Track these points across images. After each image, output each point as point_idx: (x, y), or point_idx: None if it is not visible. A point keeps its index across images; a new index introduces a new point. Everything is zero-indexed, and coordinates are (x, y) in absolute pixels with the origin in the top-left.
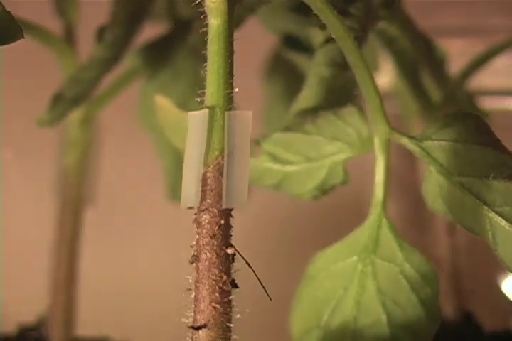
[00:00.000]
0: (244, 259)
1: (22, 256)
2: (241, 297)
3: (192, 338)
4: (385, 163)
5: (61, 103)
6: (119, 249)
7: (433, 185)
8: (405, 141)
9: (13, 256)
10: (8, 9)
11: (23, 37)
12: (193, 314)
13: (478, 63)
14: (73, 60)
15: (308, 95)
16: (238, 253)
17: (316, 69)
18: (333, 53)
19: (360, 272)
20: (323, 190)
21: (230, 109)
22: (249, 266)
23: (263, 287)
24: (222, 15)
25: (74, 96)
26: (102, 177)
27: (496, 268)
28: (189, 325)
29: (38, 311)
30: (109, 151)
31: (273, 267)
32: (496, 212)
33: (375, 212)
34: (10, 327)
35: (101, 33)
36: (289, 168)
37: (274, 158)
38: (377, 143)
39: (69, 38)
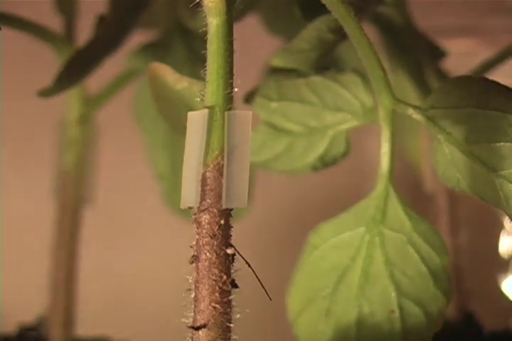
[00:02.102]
0: (244, 259)
1: (22, 256)
2: (241, 297)
3: (192, 338)
4: (390, 133)
5: (64, 79)
6: (119, 248)
7: (443, 154)
8: (410, 112)
9: (12, 256)
10: (8, 7)
11: None
12: (193, 314)
13: (489, 65)
14: None
15: (306, 57)
16: (238, 253)
17: (319, 34)
18: (335, 22)
19: (368, 242)
20: (325, 162)
21: (229, 109)
22: (249, 266)
23: (263, 287)
24: (221, 15)
25: (76, 74)
26: (100, 176)
27: (496, 268)
28: (189, 325)
29: (38, 311)
30: (108, 151)
31: (273, 266)
32: (504, 177)
33: (381, 182)
34: (10, 327)
35: (101, 19)
36: (290, 138)
37: (274, 128)
38: (381, 113)
39: (68, 35)
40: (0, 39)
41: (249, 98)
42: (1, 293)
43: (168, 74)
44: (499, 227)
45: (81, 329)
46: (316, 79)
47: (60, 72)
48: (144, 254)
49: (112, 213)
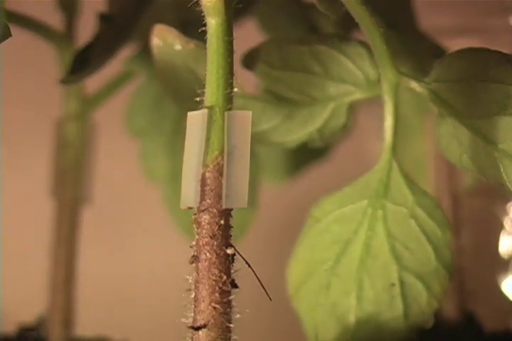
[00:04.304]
0: (244, 259)
1: (21, 256)
2: (241, 297)
3: (192, 338)
4: (393, 107)
5: (82, 68)
6: (118, 248)
7: (446, 128)
8: (414, 85)
9: (12, 256)
10: (7, 5)
11: (10, 35)
12: (193, 314)
13: None
14: None
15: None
16: (238, 253)
17: None
18: None
19: (371, 216)
20: (323, 134)
21: (229, 109)
22: (249, 266)
23: (263, 287)
24: (219, 15)
25: (93, 63)
26: (98, 176)
27: (496, 268)
28: (189, 325)
29: (38, 311)
30: (106, 150)
31: (273, 267)
32: (503, 150)
33: (385, 156)
34: (10, 327)
35: (103, 15)
36: (290, 108)
37: (275, 96)
38: (385, 87)
39: (69, 33)
40: None
41: (248, 62)
42: (1, 293)
43: (174, 36)
44: (499, 227)
45: (81, 329)
46: (321, 48)
47: (74, 60)
48: (143, 254)
49: (111, 213)
